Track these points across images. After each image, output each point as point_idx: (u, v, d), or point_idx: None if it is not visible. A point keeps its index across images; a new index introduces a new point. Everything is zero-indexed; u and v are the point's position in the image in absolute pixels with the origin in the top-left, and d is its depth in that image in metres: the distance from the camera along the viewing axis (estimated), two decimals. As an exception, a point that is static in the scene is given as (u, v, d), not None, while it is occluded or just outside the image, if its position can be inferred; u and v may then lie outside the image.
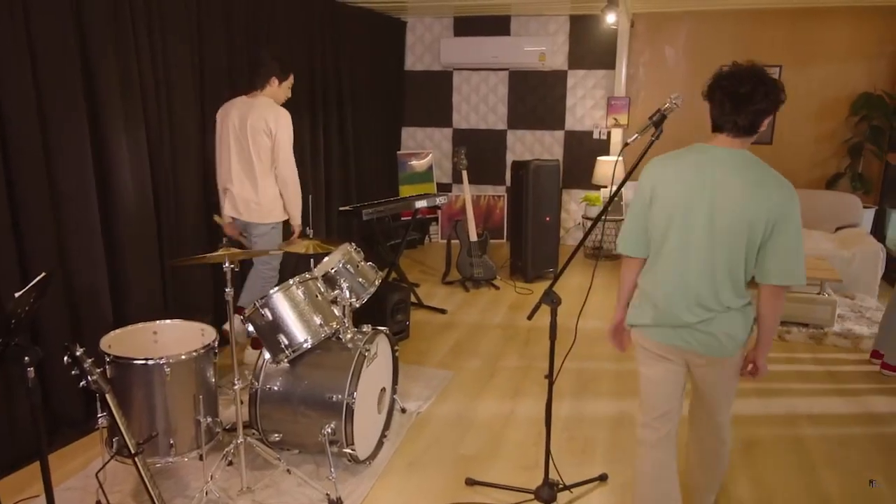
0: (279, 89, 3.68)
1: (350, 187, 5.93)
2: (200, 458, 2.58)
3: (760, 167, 2.04)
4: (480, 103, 7.16)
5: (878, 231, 6.14)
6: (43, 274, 1.95)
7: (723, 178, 2.02)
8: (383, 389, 3.05)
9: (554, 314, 2.40)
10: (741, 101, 1.99)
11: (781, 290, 2.05)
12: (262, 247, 3.71)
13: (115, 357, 2.44)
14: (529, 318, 2.43)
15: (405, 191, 6.88)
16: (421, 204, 5.11)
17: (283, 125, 3.55)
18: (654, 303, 2.16)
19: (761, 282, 2.06)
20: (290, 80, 3.73)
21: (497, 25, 6.87)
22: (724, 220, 2.01)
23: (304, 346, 2.71)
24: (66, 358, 2.03)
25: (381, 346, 3.01)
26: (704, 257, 2.05)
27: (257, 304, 2.69)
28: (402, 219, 6.52)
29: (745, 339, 2.13)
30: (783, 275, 2.01)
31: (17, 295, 1.85)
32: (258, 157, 3.60)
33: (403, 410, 3.38)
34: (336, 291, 3.03)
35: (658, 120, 2.36)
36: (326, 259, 3.29)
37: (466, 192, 5.67)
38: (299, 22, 4.89)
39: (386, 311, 4.14)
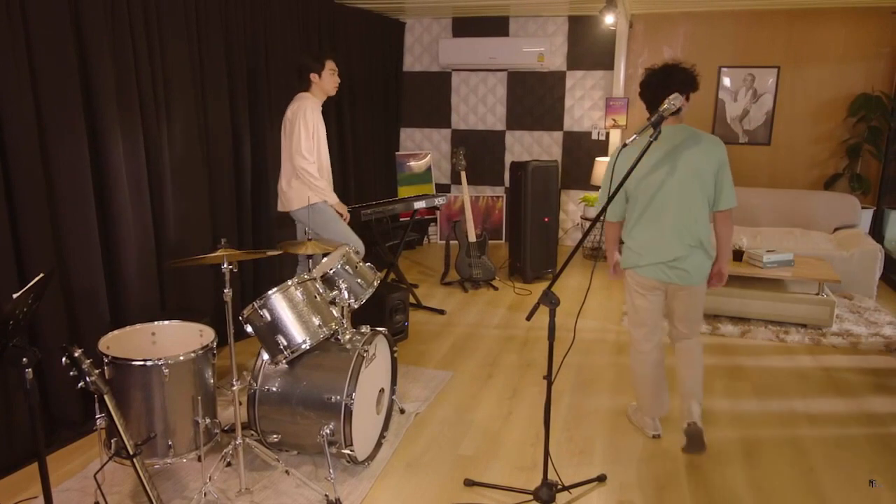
0: (322, 81, 3.78)
1: (348, 188, 5.93)
2: (199, 459, 2.57)
3: (699, 133, 2.79)
4: (479, 104, 7.16)
5: (877, 231, 6.15)
6: (41, 275, 1.95)
7: (681, 145, 2.74)
8: (382, 390, 3.05)
9: (552, 315, 2.41)
10: (653, 102, 2.72)
11: (728, 213, 2.85)
12: (302, 232, 3.97)
13: (114, 358, 2.44)
14: (528, 318, 2.44)
15: (404, 192, 6.88)
16: (420, 205, 5.10)
17: (294, 110, 3.69)
18: (645, 249, 2.86)
19: (715, 209, 2.84)
20: (330, 64, 3.79)
21: (495, 26, 6.88)
22: (694, 173, 2.74)
23: (303, 347, 2.70)
24: (64, 359, 2.03)
25: (380, 346, 3.01)
26: (684, 205, 2.77)
27: (256, 305, 2.69)
28: (401, 219, 6.54)
29: (708, 271, 2.90)
30: (728, 201, 2.81)
31: (14, 296, 1.85)
32: (286, 147, 3.81)
33: (402, 411, 3.38)
34: (335, 292, 3.03)
35: (656, 121, 2.40)
36: (325, 260, 3.28)
37: (465, 192, 5.67)
38: (297, 23, 4.89)
39: (384, 311, 4.14)
